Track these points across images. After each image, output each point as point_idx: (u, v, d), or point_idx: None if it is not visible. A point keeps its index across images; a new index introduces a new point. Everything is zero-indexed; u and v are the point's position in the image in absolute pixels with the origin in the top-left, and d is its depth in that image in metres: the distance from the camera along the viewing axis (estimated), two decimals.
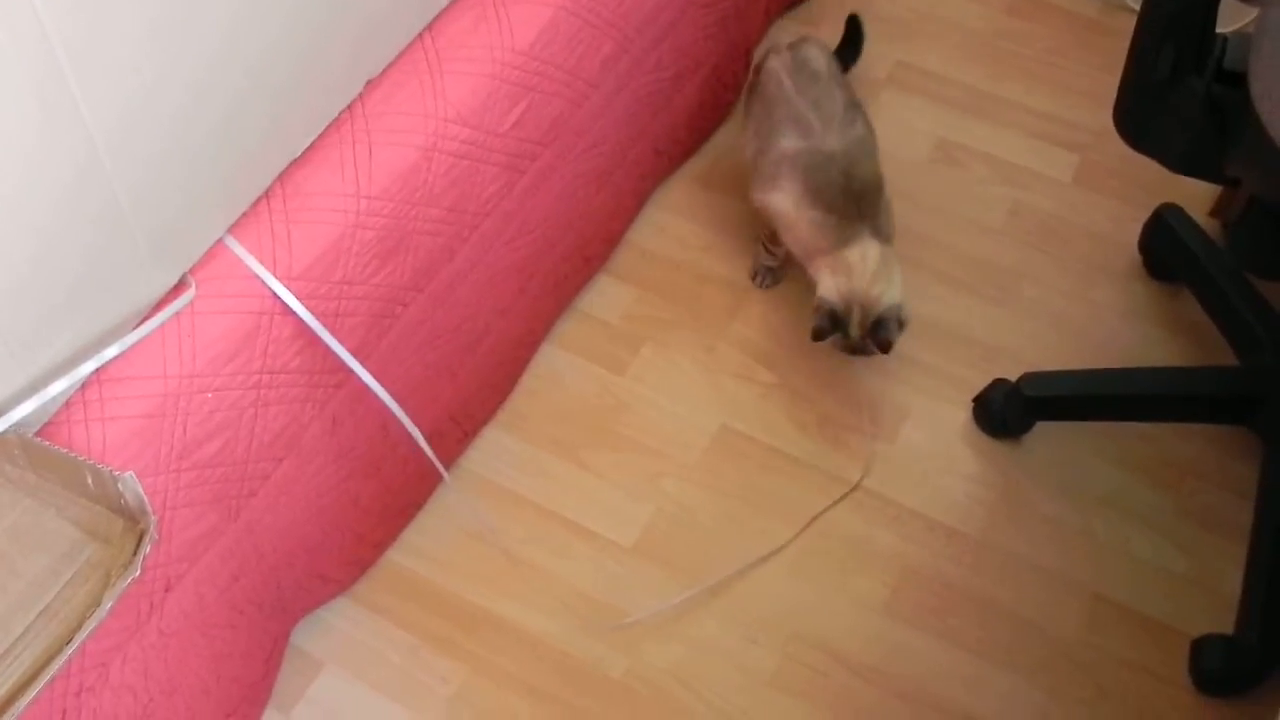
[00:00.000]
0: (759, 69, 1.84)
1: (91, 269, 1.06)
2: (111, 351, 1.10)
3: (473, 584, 1.62)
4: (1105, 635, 1.57)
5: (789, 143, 1.72)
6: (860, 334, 1.66)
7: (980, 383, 1.75)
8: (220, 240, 1.21)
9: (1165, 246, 1.85)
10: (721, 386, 1.79)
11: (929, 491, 1.69)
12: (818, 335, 1.67)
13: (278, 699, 1.53)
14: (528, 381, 1.79)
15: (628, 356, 1.82)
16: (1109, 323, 1.84)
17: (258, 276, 1.21)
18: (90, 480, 1.04)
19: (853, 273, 1.65)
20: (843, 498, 1.68)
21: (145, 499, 1.02)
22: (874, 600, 1.60)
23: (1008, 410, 1.71)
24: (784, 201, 1.71)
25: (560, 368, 1.81)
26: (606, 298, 1.88)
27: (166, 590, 1.23)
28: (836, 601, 1.60)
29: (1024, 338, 1.82)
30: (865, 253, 1.66)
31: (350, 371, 1.36)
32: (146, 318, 1.14)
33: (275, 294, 1.22)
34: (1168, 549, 1.63)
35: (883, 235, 1.69)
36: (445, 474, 1.55)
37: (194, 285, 1.17)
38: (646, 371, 1.81)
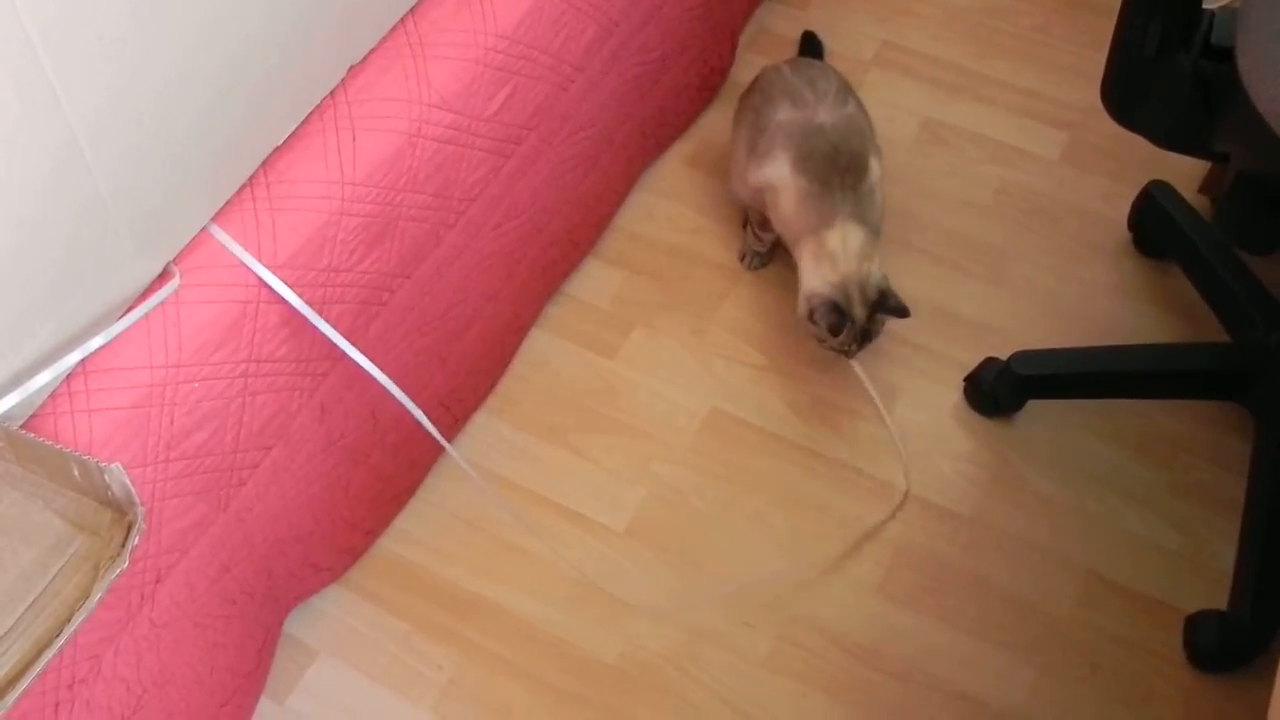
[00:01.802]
0: (756, 79, 1.84)
1: (74, 259, 1.05)
2: (96, 342, 1.10)
3: (465, 570, 1.62)
4: (1099, 612, 1.57)
5: (783, 114, 1.72)
6: (866, 314, 1.64)
7: (971, 362, 1.74)
8: (204, 229, 1.20)
9: (1155, 223, 1.85)
10: (712, 369, 1.79)
11: (921, 471, 1.69)
12: (835, 330, 1.64)
13: (272, 688, 1.53)
14: (517, 367, 1.79)
15: (617, 340, 1.82)
16: (1099, 300, 1.84)
17: (243, 264, 1.20)
18: (77, 472, 1.04)
19: (837, 259, 1.64)
20: (897, 510, 1.68)
21: (132, 490, 1.02)
22: (868, 581, 1.60)
23: (999, 389, 1.71)
24: (776, 171, 1.70)
25: (550, 352, 1.81)
26: (595, 282, 1.88)
27: (157, 581, 1.22)
28: (830, 583, 1.60)
29: (1014, 316, 1.82)
30: (846, 236, 1.65)
31: (338, 359, 1.36)
32: (131, 308, 1.13)
33: (261, 281, 1.21)
34: (1160, 525, 1.63)
35: (866, 222, 1.67)
36: (447, 444, 1.50)
37: (178, 274, 1.16)
38: (636, 355, 1.80)
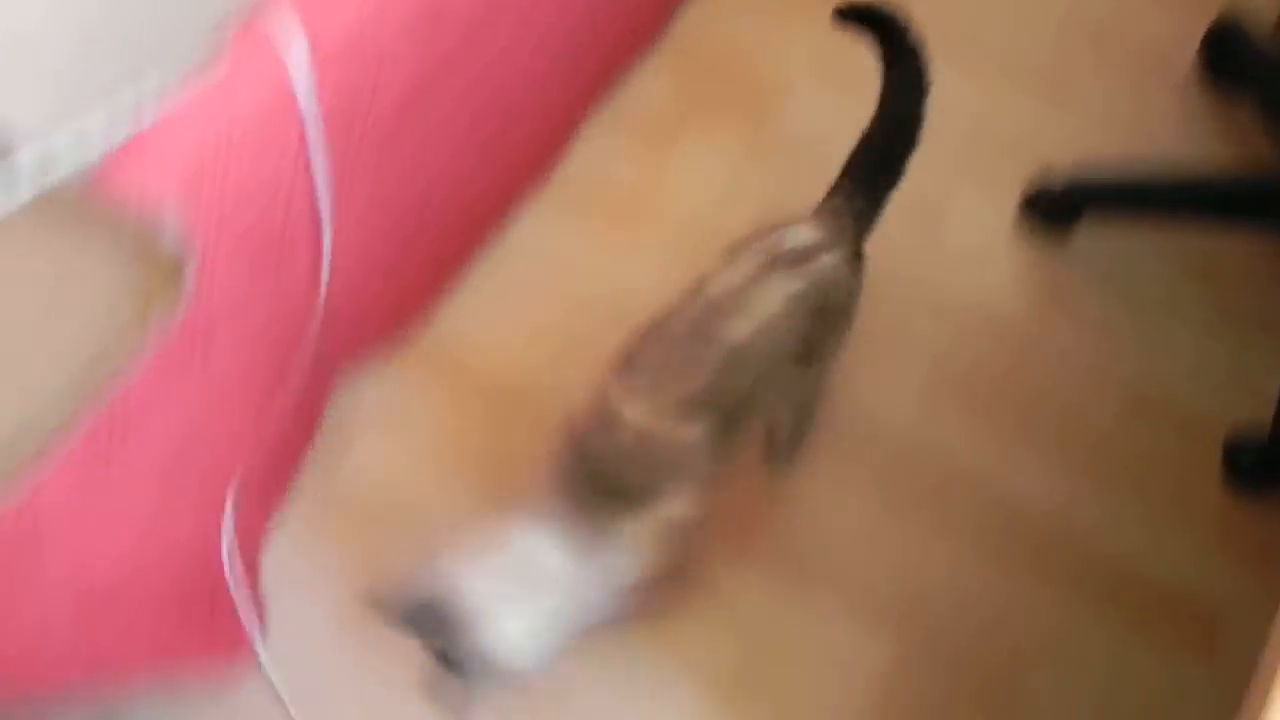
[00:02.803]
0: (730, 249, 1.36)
1: (138, 30, 1.05)
2: (156, 109, 1.10)
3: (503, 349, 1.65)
4: (1142, 426, 1.58)
5: (615, 381, 1.26)
6: (450, 647, 1.18)
7: (1029, 177, 1.73)
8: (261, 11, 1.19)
9: (1225, 54, 1.81)
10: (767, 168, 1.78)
11: (973, 282, 1.69)
12: (390, 620, 1.19)
13: (320, 457, 1.58)
14: (566, 168, 1.79)
15: (668, 143, 1.81)
16: (1162, 128, 1.81)
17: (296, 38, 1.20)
18: (133, 229, 1.06)
19: (524, 576, 1.20)
20: None
21: (187, 246, 1.04)
22: (912, 385, 1.62)
23: (1057, 203, 1.69)
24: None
25: (598, 153, 1.81)
26: (648, 85, 1.87)
27: (208, 341, 1.25)
28: (878, 380, 1.62)
29: (1073, 140, 1.80)
30: (546, 556, 1.20)
31: (389, 150, 1.36)
32: (191, 79, 1.14)
33: (312, 62, 1.20)
34: (1211, 346, 1.63)
35: (598, 550, 1.21)
36: (261, 651, 1.44)
37: (233, 52, 1.16)
38: (689, 156, 1.80)
